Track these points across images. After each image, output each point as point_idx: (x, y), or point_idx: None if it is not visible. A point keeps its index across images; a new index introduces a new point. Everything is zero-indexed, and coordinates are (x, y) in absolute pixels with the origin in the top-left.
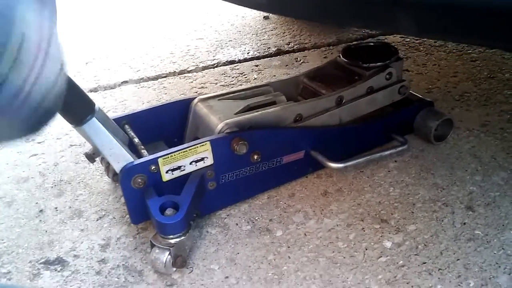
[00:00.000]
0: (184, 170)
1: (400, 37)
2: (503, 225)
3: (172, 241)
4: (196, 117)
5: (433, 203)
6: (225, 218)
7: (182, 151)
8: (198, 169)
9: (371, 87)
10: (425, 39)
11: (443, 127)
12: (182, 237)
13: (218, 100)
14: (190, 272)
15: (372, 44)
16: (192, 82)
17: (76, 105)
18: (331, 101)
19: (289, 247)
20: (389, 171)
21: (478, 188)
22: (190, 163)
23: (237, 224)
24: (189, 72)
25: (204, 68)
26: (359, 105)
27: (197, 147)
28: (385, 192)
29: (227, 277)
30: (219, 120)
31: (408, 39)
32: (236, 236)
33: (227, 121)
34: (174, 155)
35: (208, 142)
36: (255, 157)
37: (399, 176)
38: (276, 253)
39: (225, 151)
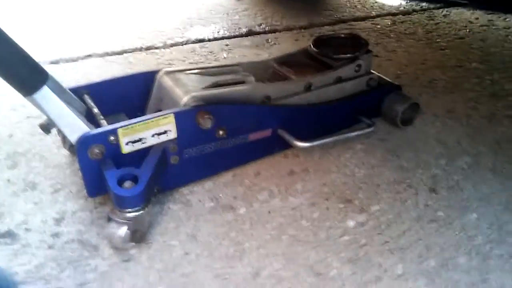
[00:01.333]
0: (145, 142)
1: (371, 23)
2: (465, 208)
3: (131, 215)
4: (160, 89)
5: (398, 185)
6: (188, 194)
7: (144, 122)
8: (161, 142)
9: (340, 77)
10: (395, 26)
11: (410, 111)
12: (141, 211)
13: (186, 74)
14: (148, 248)
15: (342, 35)
16: (159, 58)
17: (25, 74)
18: (300, 86)
19: (252, 224)
20: (355, 153)
21: (442, 171)
22: (152, 136)
23: (200, 200)
24: (156, 48)
25: (172, 45)
26: (327, 92)
27: (160, 119)
28: (351, 173)
29: (187, 253)
30: (185, 93)
31: (379, 26)
32: (198, 213)
33: (194, 94)
34: (135, 126)
35: (172, 114)
36: (221, 132)
37: (365, 158)
38: (238, 230)
39: (189, 124)
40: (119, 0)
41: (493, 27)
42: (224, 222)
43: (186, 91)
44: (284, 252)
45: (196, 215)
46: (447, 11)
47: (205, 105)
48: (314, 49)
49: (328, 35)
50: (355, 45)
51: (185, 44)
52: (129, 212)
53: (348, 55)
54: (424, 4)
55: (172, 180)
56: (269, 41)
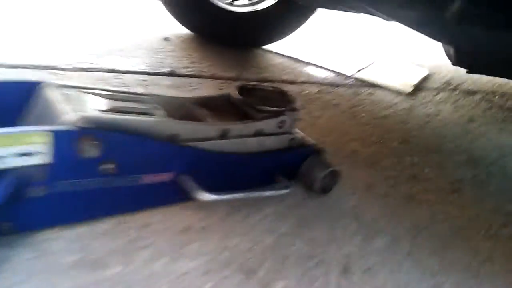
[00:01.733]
0: (4, 162)
1: (298, 88)
2: None
3: None
4: (42, 102)
5: (308, 260)
6: (50, 240)
7: (6, 135)
8: (25, 166)
9: (261, 130)
10: (321, 95)
11: (329, 179)
12: None
13: (80, 91)
14: None
15: (270, 88)
16: (60, 80)
17: None
18: (214, 131)
19: None
20: (266, 216)
21: (357, 250)
22: (15, 155)
23: (64, 250)
24: (62, 69)
25: (81, 69)
26: (244, 144)
27: (31, 135)
28: (258, 239)
29: None
30: (73, 110)
31: (306, 92)
32: (58, 266)
33: (85, 114)
34: None
35: (45, 132)
36: (109, 167)
37: (276, 223)
38: None
39: (69, 149)
40: (41, 12)
41: (414, 113)
42: (90, 281)
43: (75, 109)
44: None
45: (53, 269)
46: (371, 91)
47: (94, 129)
48: (237, 96)
49: (255, 85)
50: (282, 100)
51: (96, 71)
52: None
53: (273, 108)
54: (350, 80)
55: (32, 218)
56: (192, 85)
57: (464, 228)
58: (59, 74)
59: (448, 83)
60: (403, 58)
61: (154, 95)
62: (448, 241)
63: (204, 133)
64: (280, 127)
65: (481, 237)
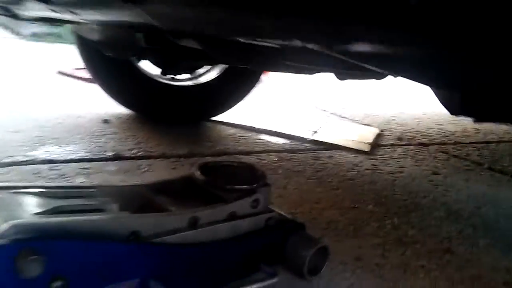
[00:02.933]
0: None
1: (256, 158)
2: None
3: None
4: None
5: None
6: None
7: None
8: None
9: (234, 213)
10: (282, 163)
11: (318, 257)
12: None
13: (11, 193)
14: None
15: (235, 164)
16: None
17: None
18: (182, 221)
19: None
20: None
21: None
22: None
23: None
24: None
25: (11, 164)
26: (218, 231)
27: None
28: None
29: None
30: (4, 219)
31: (265, 161)
32: None
33: (17, 222)
34: None
35: None
36: (59, 284)
37: None
38: None
39: (5, 270)
40: None
41: (378, 172)
42: None
43: (7, 216)
44: None
45: None
46: (331, 153)
47: (32, 239)
48: (200, 176)
49: (217, 162)
50: (251, 175)
51: (29, 164)
52: None
53: (244, 186)
54: (307, 144)
55: None
56: (141, 167)
57: None
58: None
59: (399, 138)
60: (351, 118)
61: (102, 186)
62: None
63: (169, 225)
64: (254, 206)
65: None
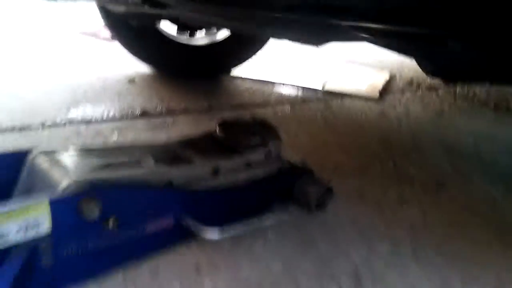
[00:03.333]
0: (6, 239)
1: (271, 110)
2: None
3: None
4: (33, 173)
5: (319, 278)
6: None
7: (4, 212)
8: (28, 240)
9: (249, 163)
10: (295, 113)
11: (324, 196)
12: None
13: (67, 155)
14: None
15: (250, 120)
16: (34, 141)
17: None
18: (206, 170)
19: None
20: (268, 242)
21: (363, 260)
22: (16, 231)
23: None
24: (32, 129)
25: (52, 126)
26: (236, 178)
27: (29, 208)
28: (266, 267)
29: None
30: (65, 176)
31: (280, 113)
32: None
33: (76, 178)
34: None
35: (46, 202)
36: (111, 223)
37: (280, 247)
38: None
39: (69, 215)
40: None
41: (386, 116)
42: None
43: (67, 174)
44: None
45: None
46: (341, 101)
47: (90, 191)
48: (220, 133)
49: (234, 119)
50: (264, 131)
51: (68, 125)
52: None
53: (257, 141)
54: (319, 94)
55: (46, 286)
56: (167, 123)
57: (458, 221)
58: (31, 135)
59: (410, 83)
60: (363, 64)
61: (138, 145)
62: (446, 236)
63: (196, 174)
64: (267, 157)
65: (476, 227)
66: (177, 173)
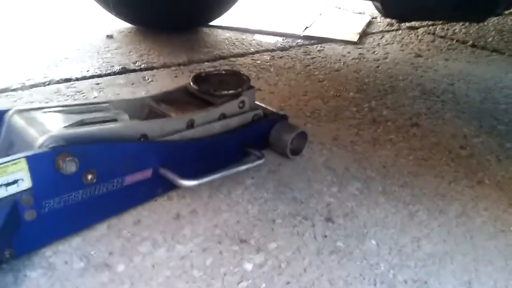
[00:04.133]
0: None
1: (251, 59)
2: (363, 235)
3: None
4: (11, 131)
5: (293, 218)
6: (51, 256)
7: None
8: (10, 195)
9: (224, 114)
10: (274, 61)
11: (298, 141)
12: None
13: (43, 112)
14: None
15: (223, 72)
16: (16, 101)
17: None
18: (181, 123)
19: (133, 283)
20: (246, 188)
21: (335, 199)
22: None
23: (66, 262)
24: (12, 90)
25: (33, 86)
26: (211, 129)
27: (8, 165)
28: (244, 210)
29: None
30: (41, 132)
31: (259, 61)
32: (64, 277)
33: (52, 133)
34: None
35: (23, 159)
36: (89, 177)
37: (257, 192)
38: None
39: (48, 170)
40: None
41: (364, 60)
42: (97, 284)
43: (43, 130)
44: None
45: (61, 281)
46: (321, 47)
47: (67, 146)
48: (194, 86)
49: (208, 72)
50: (237, 81)
51: (48, 84)
52: None
53: (231, 91)
54: (299, 40)
55: (30, 241)
56: (146, 78)
57: (427, 158)
58: (12, 95)
59: (390, 24)
60: (343, 8)
61: (113, 101)
62: (415, 173)
63: (171, 127)
64: (241, 107)
65: (444, 162)
66: (152, 127)
